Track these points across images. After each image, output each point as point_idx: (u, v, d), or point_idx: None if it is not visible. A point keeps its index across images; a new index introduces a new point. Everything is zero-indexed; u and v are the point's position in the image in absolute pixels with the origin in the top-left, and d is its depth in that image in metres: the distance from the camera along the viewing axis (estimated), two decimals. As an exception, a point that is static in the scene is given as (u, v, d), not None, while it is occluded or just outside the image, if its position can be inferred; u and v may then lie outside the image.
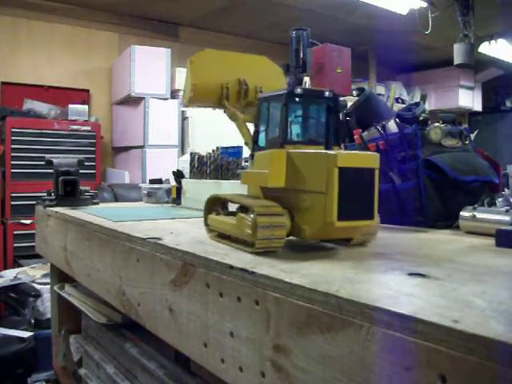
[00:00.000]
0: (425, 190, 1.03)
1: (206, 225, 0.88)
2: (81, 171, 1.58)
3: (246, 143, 1.01)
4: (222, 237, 0.83)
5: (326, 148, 0.79)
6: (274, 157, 0.75)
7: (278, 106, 0.78)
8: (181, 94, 3.95)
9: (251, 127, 0.94)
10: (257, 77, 1.11)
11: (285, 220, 0.72)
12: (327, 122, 0.80)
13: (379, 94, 5.32)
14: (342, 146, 1.18)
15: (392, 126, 1.09)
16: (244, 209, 0.76)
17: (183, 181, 1.58)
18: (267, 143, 0.81)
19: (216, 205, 0.88)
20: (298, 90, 0.77)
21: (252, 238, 0.71)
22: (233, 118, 1.06)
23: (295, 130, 0.81)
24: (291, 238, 0.76)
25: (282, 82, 1.19)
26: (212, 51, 1.16)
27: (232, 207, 0.85)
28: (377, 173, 0.71)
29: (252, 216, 0.71)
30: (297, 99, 0.79)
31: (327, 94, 0.80)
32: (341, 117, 1.29)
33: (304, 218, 0.73)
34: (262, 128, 0.83)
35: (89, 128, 3.78)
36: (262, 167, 0.78)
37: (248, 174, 0.83)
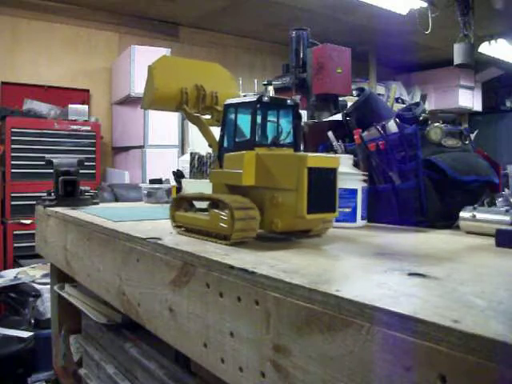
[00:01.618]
0: (425, 190, 1.03)
1: (173, 221, 0.96)
2: (81, 171, 1.58)
3: (209, 145, 1.06)
4: (191, 231, 0.91)
5: (295, 150, 0.88)
6: (246, 158, 0.82)
7: (246, 112, 0.87)
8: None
9: (212, 130, 1.01)
10: (211, 83, 1.17)
11: (257, 215, 0.80)
12: (295, 127, 0.89)
13: (379, 94, 5.33)
14: (343, 145, 1.19)
15: (392, 126, 1.09)
16: (215, 205, 0.84)
17: (183, 181, 1.58)
18: (236, 146, 0.89)
19: (183, 203, 0.96)
20: (265, 99, 0.86)
21: (228, 231, 0.79)
22: (195, 121, 1.12)
23: (263, 133, 0.89)
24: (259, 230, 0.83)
25: (233, 87, 1.26)
26: (170, 58, 1.23)
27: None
28: (337, 172, 0.81)
29: (228, 211, 0.78)
30: (264, 106, 0.88)
31: (289, 102, 0.89)
32: (341, 117, 1.30)
33: (275, 212, 0.80)
34: (228, 132, 0.91)
35: (89, 128, 3.78)
36: (232, 167, 0.86)
37: (218, 173, 0.91)
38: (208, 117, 1.15)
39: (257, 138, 0.86)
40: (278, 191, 0.80)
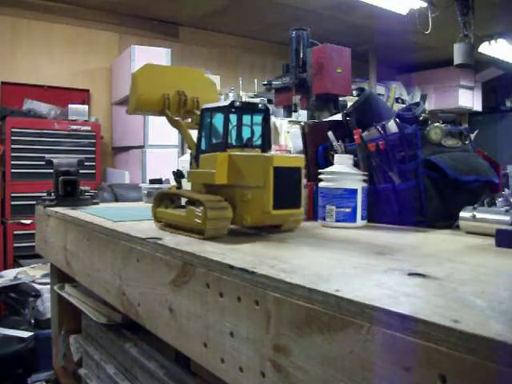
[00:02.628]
0: (425, 190, 1.03)
1: (155, 217, 1.03)
2: (81, 171, 1.58)
3: (189, 147, 1.12)
4: (170, 226, 0.97)
5: (263, 151, 0.94)
6: (219, 159, 0.89)
7: (220, 116, 0.94)
8: (181, 93, 3.96)
9: (192, 133, 1.09)
10: (193, 88, 1.23)
11: (229, 211, 0.87)
12: (262, 130, 0.95)
13: (379, 94, 5.33)
14: (343, 145, 1.19)
15: (392, 126, 1.09)
16: (192, 202, 0.91)
17: (183, 181, 1.58)
18: (211, 147, 0.96)
19: (164, 200, 1.03)
20: (237, 104, 0.93)
21: (202, 227, 0.85)
22: (175, 125, 1.18)
23: (235, 136, 0.96)
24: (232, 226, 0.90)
25: (214, 93, 1.32)
26: (154, 65, 1.27)
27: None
28: (302, 171, 0.88)
29: (202, 208, 0.86)
30: (236, 111, 0.94)
31: (260, 106, 0.96)
32: (341, 117, 1.30)
33: (245, 208, 0.87)
34: (205, 134, 0.98)
35: (89, 128, 3.78)
36: (207, 167, 0.93)
37: (195, 173, 0.98)
38: (189, 120, 1.22)
39: (229, 140, 0.93)
40: (247, 189, 0.87)
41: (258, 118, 0.96)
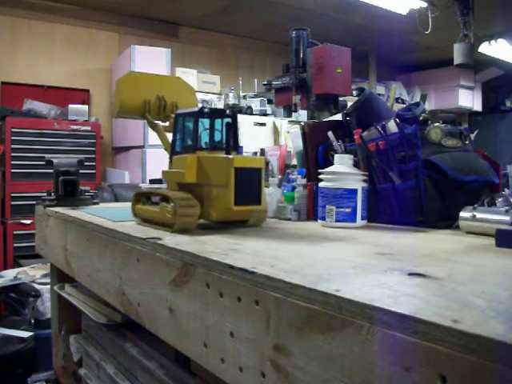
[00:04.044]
0: (425, 190, 1.03)
1: (133, 213, 1.13)
2: (81, 171, 1.58)
3: (165, 149, 1.20)
4: (147, 221, 1.07)
5: (226, 153, 1.01)
6: (188, 160, 0.99)
7: (191, 121, 1.03)
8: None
9: (169, 136, 1.16)
10: (173, 94, 1.32)
11: (196, 207, 0.97)
12: (227, 133, 1.02)
13: (379, 94, 5.33)
14: (343, 145, 1.19)
15: (392, 125, 1.09)
16: (165, 199, 1.01)
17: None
18: (183, 149, 1.05)
19: (142, 197, 1.13)
20: (205, 110, 1.02)
21: (172, 221, 0.96)
22: (154, 128, 1.27)
23: (204, 139, 1.04)
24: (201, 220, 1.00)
25: (193, 98, 1.41)
26: (136, 73, 1.40)
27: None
28: (263, 171, 0.96)
29: (172, 205, 0.96)
30: (206, 116, 1.03)
31: (228, 112, 1.05)
32: (341, 117, 1.30)
33: (211, 204, 0.97)
34: (178, 137, 1.07)
35: (89, 128, 3.77)
36: (179, 167, 1.02)
37: (169, 172, 1.08)
38: (167, 124, 1.30)
39: (200, 143, 1.02)
40: (213, 187, 0.97)
41: (226, 123, 1.03)
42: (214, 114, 1.05)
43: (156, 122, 1.28)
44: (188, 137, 1.04)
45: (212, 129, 1.04)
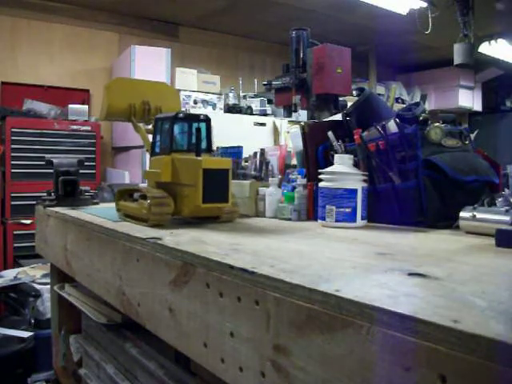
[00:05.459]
0: (425, 190, 1.03)
1: (117, 208, 1.23)
2: (81, 171, 1.58)
3: (146, 150, 1.26)
4: (128, 216, 1.16)
5: (196, 155, 1.08)
6: (164, 161, 1.08)
7: (167, 125, 1.12)
8: (181, 93, 3.96)
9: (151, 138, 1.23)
10: (158, 98, 1.40)
11: (170, 204, 1.06)
12: (197, 137, 1.10)
13: (379, 94, 5.32)
14: (343, 145, 1.19)
15: (392, 125, 1.09)
16: (143, 196, 1.10)
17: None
18: (160, 150, 1.14)
19: (125, 194, 1.24)
20: (180, 115, 1.11)
21: (148, 216, 1.04)
22: (137, 130, 1.35)
23: (179, 141, 1.13)
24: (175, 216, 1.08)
25: (177, 102, 1.49)
26: (124, 79, 1.50)
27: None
28: (230, 171, 1.04)
29: (148, 201, 1.05)
30: (181, 121, 1.12)
31: (202, 117, 1.13)
32: (341, 116, 1.30)
33: (183, 202, 1.06)
34: (157, 139, 1.16)
35: (89, 128, 3.77)
36: (157, 168, 1.11)
37: (148, 172, 1.17)
38: (150, 127, 1.34)
39: (175, 145, 1.11)
40: (184, 186, 1.05)
41: (202, 126, 1.12)
42: (189, 118, 1.13)
43: (140, 124, 1.36)
44: (165, 139, 1.13)
45: (190, 132, 1.12)
